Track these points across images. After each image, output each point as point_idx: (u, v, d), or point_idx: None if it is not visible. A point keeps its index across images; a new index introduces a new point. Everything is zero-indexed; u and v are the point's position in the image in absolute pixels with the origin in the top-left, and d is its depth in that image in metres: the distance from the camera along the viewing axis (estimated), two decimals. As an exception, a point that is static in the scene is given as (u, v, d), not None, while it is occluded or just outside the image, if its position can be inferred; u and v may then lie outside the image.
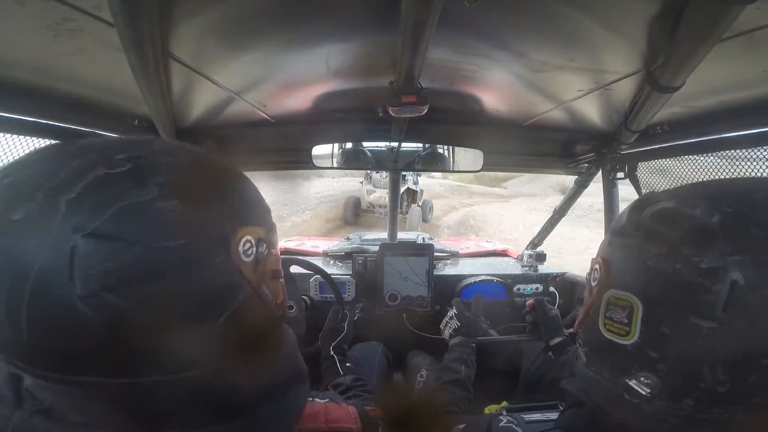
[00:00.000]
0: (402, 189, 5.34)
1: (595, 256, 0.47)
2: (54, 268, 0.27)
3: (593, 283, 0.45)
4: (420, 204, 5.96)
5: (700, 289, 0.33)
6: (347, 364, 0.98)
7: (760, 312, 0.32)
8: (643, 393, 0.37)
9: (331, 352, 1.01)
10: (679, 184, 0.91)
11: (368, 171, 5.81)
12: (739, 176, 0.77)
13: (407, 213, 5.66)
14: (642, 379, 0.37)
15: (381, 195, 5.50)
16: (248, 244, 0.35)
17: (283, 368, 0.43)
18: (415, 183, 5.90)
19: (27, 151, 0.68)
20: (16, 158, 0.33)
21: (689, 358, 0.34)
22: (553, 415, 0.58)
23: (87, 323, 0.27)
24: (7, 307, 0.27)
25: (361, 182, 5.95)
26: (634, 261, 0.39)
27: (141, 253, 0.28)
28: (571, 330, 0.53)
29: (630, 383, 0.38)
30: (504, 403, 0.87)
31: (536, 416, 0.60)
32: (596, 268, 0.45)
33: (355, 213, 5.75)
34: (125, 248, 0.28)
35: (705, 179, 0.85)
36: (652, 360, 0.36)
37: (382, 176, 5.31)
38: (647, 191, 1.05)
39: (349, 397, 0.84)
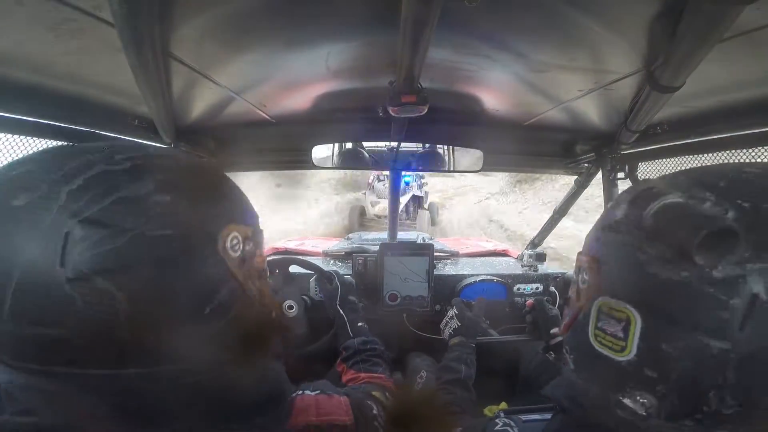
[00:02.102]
0: (407, 197, 5.33)
1: (580, 253, 0.41)
2: (46, 252, 0.27)
3: (581, 285, 0.39)
4: (427, 207, 5.92)
5: (713, 304, 0.28)
6: (359, 324, 0.96)
7: None
8: (639, 412, 0.32)
9: (340, 311, 1.00)
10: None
11: (370, 181, 5.82)
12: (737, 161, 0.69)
13: (415, 219, 5.62)
14: (638, 398, 0.32)
15: (386, 205, 5.52)
16: (235, 240, 0.36)
17: (271, 378, 0.43)
18: (420, 187, 5.86)
19: (29, 151, 0.68)
20: (20, 156, 0.34)
21: (693, 381, 0.30)
22: (550, 416, 0.57)
23: (74, 308, 0.27)
24: None
25: (364, 193, 5.93)
26: (631, 265, 0.33)
27: (132, 240, 0.29)
28: (556, 330, 0.49)
29: (624, 401, 0.33)
30: (503, 404, 0.87)
31: (534, 416, 0.59)
32: (584, 268, 0.39)
33: (360, 222, 5.77)
34: (118, 234, 0.29)
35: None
36: (650, 380, 0.32)
37: (385, 186, 5.35)
38: None
39: (356, 362, 0.83)
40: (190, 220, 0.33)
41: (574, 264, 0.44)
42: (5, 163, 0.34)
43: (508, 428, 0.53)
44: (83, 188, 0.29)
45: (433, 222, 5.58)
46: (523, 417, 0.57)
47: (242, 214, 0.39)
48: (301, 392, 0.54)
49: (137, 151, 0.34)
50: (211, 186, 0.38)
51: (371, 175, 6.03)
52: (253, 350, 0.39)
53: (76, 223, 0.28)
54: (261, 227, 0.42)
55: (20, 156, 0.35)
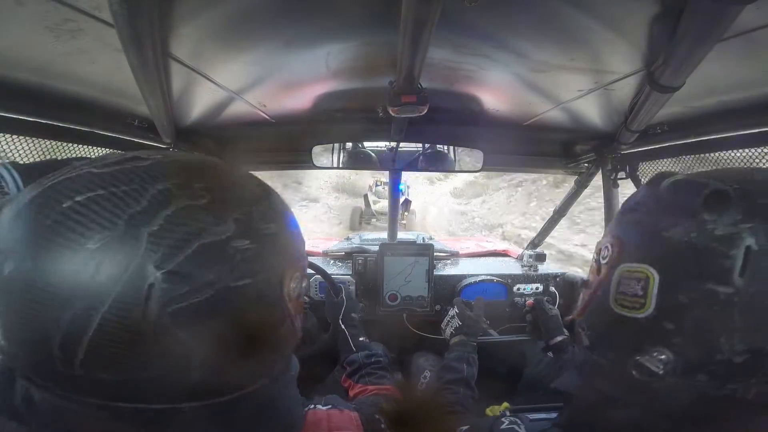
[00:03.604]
0: (401, 200, 5.79)
1: (603, 238, 0.47)
2: (128, 302, 0.26)
3: (603, 261, 0.45)
4: (412, 211, 6.58)
5: (718, 255, 0.34)
6: (360, 339, 0.97)
7: None
8: (655, 370, 0.37)
9: (341, 326, 1.00)
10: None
11: (370, 184, 6.63)
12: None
13: (404, 220, 6.22)
14: (655, 354, 0.37)
15: (384, 205, 6.08)
16: (296, 280, 0.36)
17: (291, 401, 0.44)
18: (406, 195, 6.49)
19: (30, 151, 0.68)
20: (80, 167, 0.30)
21: (706, 327, 0.34)
22: (556, 414, 0.57)
23: (150, 357, 0.27)
24: (66, 335, 0.26)
25: (365, 195, 6.55)
26: (649, 234, 0.39)
27: (217, 294, 0.28)
28: (571, 317, 0.52)
29: (641, 360, 0.37)
30: (505, 404, 0.87)
31: (541, 415, 0.59)
32: (607, 247, 0.45)
33: (360, 222, 6.31)
34: (203, 288, 0.28)
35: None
36: (668, 332, 0.36)
37: (384, 189, 6.03)
38: None
39: (362, 376, 0.83)
40: (265, 266, 0.32)
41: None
42: (56, 178, 0.29)
43: (515, 426, 0.54)
44: (165, 230, 0.27)
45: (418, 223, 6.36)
46: (530, 416, 0.57)
47: (300, 251, 0.39)
48: (312, 406, 0.54)
49: (212, 178, 0.33)
50: (283, 223, 0.36)
51: (371, 179, 6.79)
52: (285, 372, 0.41)
53: (159, 275, 0.27)
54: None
55: (79, 172, 0.30)
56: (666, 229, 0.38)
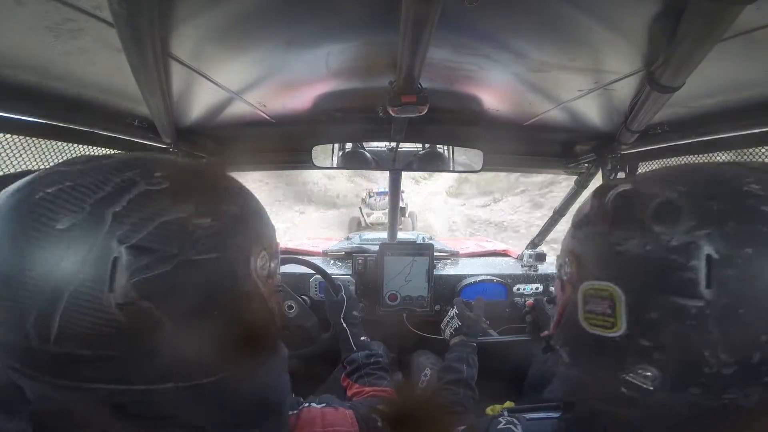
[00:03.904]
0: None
1: (560, 253, 0.45)
2: (95, 277, 0.28)
3: (565, 278, 0.43)
4: (408, 215, 6.67)
5: (677, 267, 0.32)
6: (361, 338, 0.96)
7: (744, 285, 0.31)
8: (645, 386, 0.34)
9: (343, 324, 1.00)
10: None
11: (364, 197, 6.75)
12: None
13: (400, 223, 6.30)
14: (640, 371, 0.34)
15: (378, 216, 6.36)
16: (264, 260, 0.37)
17: (276, 388, 0.44)
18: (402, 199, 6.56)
19: (29, 152, 0.68)
20: (51, 168, 0.33)
21: (685, 342, 0.32)
22: (555, 414, 0.57)
23: (119, 332, 0.28)
24: (38, 315, 0.27)
25: (360, 207, 6.73)
26: (604, 249, 0.38)
27: (179, 266, 0.30)
28: (547, 333, 0.50)
29: (627, 378, 0.35)
30: (507, 404, 0.87)
31: (539, 415, 0.59)
32: (566, 263, 0.43)
33: (357, 231, 6.47)
34: (165, 260, 0.29)
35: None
36: (647, 349, 0.34)
37: (377, 200, 6.27)
38: None
39: (361, 376, 0.83)
40: (229, 243, 0.34)
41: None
42: (29, 178, 0.33)
43: (512, 426, 0.53)
44: (128, 210, 0.29)
45: (414, 227, 6.40)
46: (527, 415, 0.57)
47: (269, 231, 0.41)
48: (307, 404, 0.54)
49: (172, 167, 0.34)
50: (244, 205, 0.38)
51: (365, 192, 6.87)
52: (268, 362, 0.41)
53: (123, 249, 0.28)
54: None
55: (50, 167, 0.34)
56: (619, 243, 0.36)
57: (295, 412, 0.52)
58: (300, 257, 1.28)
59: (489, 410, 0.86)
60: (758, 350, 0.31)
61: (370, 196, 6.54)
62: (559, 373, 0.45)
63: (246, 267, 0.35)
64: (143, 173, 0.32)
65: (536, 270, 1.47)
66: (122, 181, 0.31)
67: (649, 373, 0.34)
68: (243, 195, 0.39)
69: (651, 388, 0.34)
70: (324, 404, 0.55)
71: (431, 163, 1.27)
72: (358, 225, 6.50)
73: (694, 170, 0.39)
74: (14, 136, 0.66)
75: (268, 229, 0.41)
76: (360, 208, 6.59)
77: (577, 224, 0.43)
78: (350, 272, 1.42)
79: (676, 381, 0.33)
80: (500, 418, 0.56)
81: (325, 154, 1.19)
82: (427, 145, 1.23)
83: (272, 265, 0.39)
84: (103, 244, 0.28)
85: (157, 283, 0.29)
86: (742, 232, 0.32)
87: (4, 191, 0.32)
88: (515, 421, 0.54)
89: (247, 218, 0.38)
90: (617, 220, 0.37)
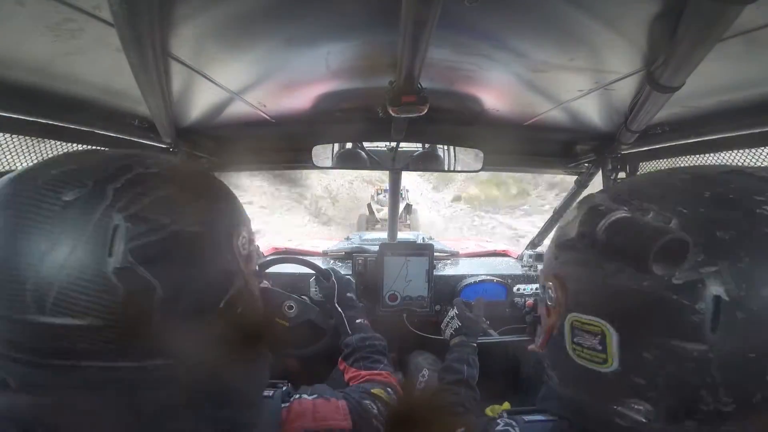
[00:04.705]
0: (403, 204, 6.16)
1: (542, 272, 0.42)
2: (96, 244, 0.30)
3: (549, 303, 0.39)
4: (412, 213, 6.83)
5: (680, 309, 0.29)
6: (357, 321, 0.95)
7: (756, 329, 0.28)
8: (639, 418, 0.32)
9: (338, 309, 1.00)
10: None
11: (372, 194, 6.95)
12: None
13: (407, 221, 6.48)
14: (633, 405, 0.32)
15: (386, 211, 6.35)
16: (244, 239, 0.40)
17: (254, 375, 0.44)
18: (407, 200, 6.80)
19: (29, 152, 0.68)
20: (57, 155, 0.37)
21: (682, 383, 0.30)
22: (554, 417, 0.57)
23: (116, 297, 0.30)
24: (35, 282, 0.29)
25: (369, 204, 6.89)
26: (593, 280, 0.34)
27: (170, 234, 0.33)
28: (533, 348, 0.48)
29: (620, 410, 0.33)
30: (506, 405, 0.87)
31: (538, 417, 0.59)
32: (549, 286, 0.39)
33: (366, 228, 6.69)
34: (159, 229, 0.32)
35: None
36: (640, 387, 0.31)
37: (384, 197, 6.32)
38: None
39: (357, 360, 0.83)
40: (214, 219, 0.38)
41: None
42: (37, 162, 0.37)
43: (510, 428, 0.53)
44: (126, 187, 0.32)
45: (417, 227, 6.53)
46: (526, 417, 0.56)
47: (245, 217, 0.44)
48: (298, 396, 0.53)
49: (161, 160, 0.38)
50: (224, 190, 0.43)
51: (373, 189, 7.12)
52: (250, 346, 0.42)
53: (122, 218, 0.31)
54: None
55: (56, 154, 0.37)
56: (611, 275, 0.32)
57: (286, 405, 0.51)
58: (287, 255, 1.28)
59: (488, 411, 0.86)
60: (761, 390, 0.29)
61: (379, 194, 6.74)
62: (551, 388, 0.43)
63: (228, 243, 0.38)
64: (139, 162, 0.36)
65: (536, 270, 1.47)
66: (121, 166, 0.34)
67: (641, 408, 0.32)
68: (224, 186, 0.44)
69: (644, 420, 0.32)
70: (315, 395, 0.54)
71: (431, 163, 1.28)
72: (366, 222, 6.60)
73: (695, 180, 0.34)
74: (14, 136, 0.66)
75: (245, 218, 0.44)
76: (369, 205, 6.73)
77: (562, 246, 0.39)
78: (350, 272, 1.42)
79: (671, 416, 0.31)
80: (498, 420, 0.55)
81: (325, 153, 1.19)
82: (427, 145, 1.23)
83: (251, 248, 0.42)
84: (105, 212, 0.31)
85: (152, 250, 0.31)
86: (757, 269, 0.28)
87: (6, 176, 0.35)
88: (513, 423, 0.53)
89: (228, 202, 0.42)
90: (611, 251, 0.33)
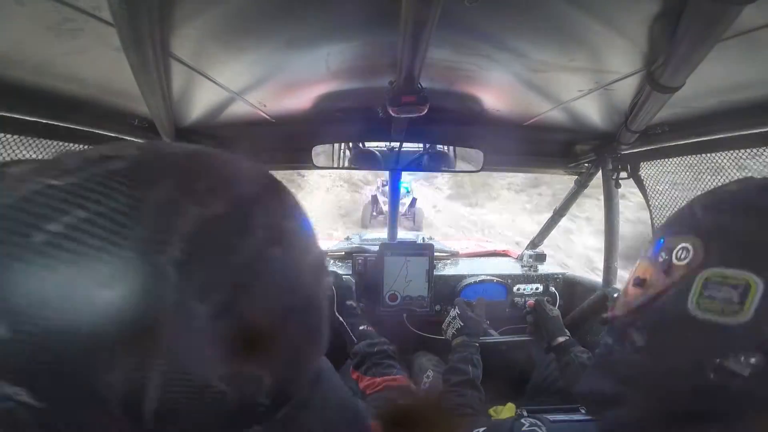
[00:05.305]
0: (409, 199, 6.27)
1: (672, 233, 0.43)
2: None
3: (676, 262, 0.41)
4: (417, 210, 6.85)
5: None
6: (360, 327, 0.93)
7: None
8: (742, 373, 0.33)
9: (339, 318, 0.97)
10: (684, 183, 0.92)
11: (378, 185, 6.82)
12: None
13: (413, 219, 6.49)
14: (742, 358, 0.33)
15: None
16: None
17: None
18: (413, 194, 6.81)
19: (29, 151, 0.68)
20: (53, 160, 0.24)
21: None
22: (577, 417, 0.55)
23: None
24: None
25: (375, 195, 6.86)
26: (749, 238, 0.36)
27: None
28: (612, 314, 0.49)
29: (724, 363, 0.34)
30: (510, 406, 0.87)
31: (561, 417, 0.58)
32: (686, 249, 0.40)
33: (370, 219, 6.70)
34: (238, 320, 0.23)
35: (712, 177, 0.85)
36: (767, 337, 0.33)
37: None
38: (651, 191, 1.05)
39: (369, 367, 0.81)
40: (306, 272, 0.30)
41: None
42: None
43: (536, 428, 0.52)
44: (190, 258, 0.21)
45: (420, 226, 6.50)
46: (551, 417, 0.55)
47: None
48: None
49: (212, 172, 0.26)
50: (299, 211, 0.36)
51: (378, 182, 6.95)
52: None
53: (202, 306, 0.22)
54: None
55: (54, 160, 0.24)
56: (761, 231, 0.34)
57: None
58: None
59: (492, 411, 0.86)
60: None
61: (384, 185, 6.59)
62: (605, 361, 0.44)
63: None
64: (186, 189, 0.22)
65: (536, 270, 1.47)
66: (165, 203, 0.22)
67: (753, 360, 0.33)
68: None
69: (746, 374, 0.33)
70: None
71: (431, 163, 1.28)
72: (371, 213, 6.62)
73: None
74: (14, 136, 0.66)
75: None
76: (375, 196, 6.67)
77: (710, 207, 0.41)
78: (350, 272, 1.42)
79: None
80: (523, 420, 0.54)
81: (325, 153, 1.19)
82: (427, 145, 1.23)
83: None
84: (179, 299, 0.21)
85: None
86: None
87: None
88: (539, 423, 0.53)
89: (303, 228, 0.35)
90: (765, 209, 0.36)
